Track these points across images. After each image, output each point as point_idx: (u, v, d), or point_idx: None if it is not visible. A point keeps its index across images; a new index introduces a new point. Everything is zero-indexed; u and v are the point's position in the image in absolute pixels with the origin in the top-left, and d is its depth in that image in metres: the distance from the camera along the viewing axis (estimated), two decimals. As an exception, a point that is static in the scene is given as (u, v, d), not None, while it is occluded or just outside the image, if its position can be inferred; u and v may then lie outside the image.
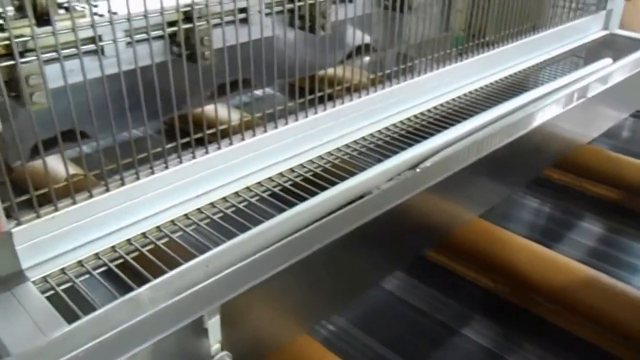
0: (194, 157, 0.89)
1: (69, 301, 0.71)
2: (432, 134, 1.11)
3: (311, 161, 1.04)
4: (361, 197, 0.89)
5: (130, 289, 0.72)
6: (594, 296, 0.93)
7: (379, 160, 1.02)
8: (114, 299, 0.71)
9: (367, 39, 1.13)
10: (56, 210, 0.76)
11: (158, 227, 0.85)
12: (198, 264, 0.72)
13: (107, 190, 0.81)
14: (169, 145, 0.87)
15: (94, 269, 0.77)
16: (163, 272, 0.73)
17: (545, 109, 1.16)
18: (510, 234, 1.03)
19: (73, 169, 0.87)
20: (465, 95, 1.33)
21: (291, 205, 0.88)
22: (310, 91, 1.02)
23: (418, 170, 0.95)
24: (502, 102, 1.25)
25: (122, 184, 0.82)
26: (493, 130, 1.07)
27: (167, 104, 0.83)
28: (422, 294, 0.98)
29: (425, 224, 0.96)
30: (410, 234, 0.94)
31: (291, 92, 1.03)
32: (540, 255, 0.99)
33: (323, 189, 0.92)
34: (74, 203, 0.78)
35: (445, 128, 1.13)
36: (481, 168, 0.98)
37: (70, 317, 0.67)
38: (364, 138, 1.12)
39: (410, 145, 1.07)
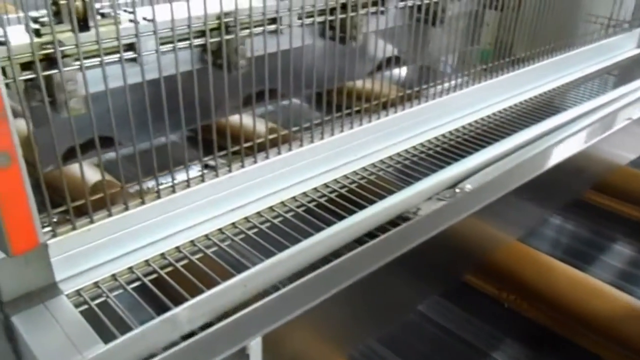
0: (230, 171, 0.87)
1: (103, 317, 0.69)
2: (468, 152, 1.08)
3: (345, 176, 1.01)
4: (400, 217, 0.87)
5: (165, 306, 0.71)
6: (635, 326, 0.90)
7: (415, 178, 1.00)
8: (148, 317, 0.69)
9: (396, 51, 1.11)
10: (92, 222, 0.75)
11: (192, 242, 0.83)
12: (236, 284, 0.70)
13: (143, 202, 0.79)
14: (207, 158, 0.85)
15: (128, 283, 0.76)
16: (198, 290, 0.72)
17: (588, 130, 1.14)
18: (548, 258, 1.01)
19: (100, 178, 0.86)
20: (499, 112, 1.30)
21: (327, 222, 0.86)
22: (345, 105, 1.00)
23: (458, 191, 0.92)
24: (538, 122, 1.22)
25: (158, 197, 0.80)
26: (534, 153, 1.04)
27: (201, 115, 0.81)
28: (453, 316, 0.96)
29: (463, 247, 0.93)
30: (449, 258, 0.92)
31: (325, 105, 1.01)
32: (579, 281, 0.97)
33: (358, 206, 0.90)
34: (110, 215, 0.76)
35: (481, 146, 1.11)
36: (522, 191, 0.95)
37: (105, 335, 0.65)
38: (398, 154, 1.10)
39: (447, 163, 1.04)
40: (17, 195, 0.59)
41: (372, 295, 0.78)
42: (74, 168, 0.74)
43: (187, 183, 0.83)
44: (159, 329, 0.64)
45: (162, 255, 0.80)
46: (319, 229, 0.84)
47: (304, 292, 0.70)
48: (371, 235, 0.84)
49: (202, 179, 0.85)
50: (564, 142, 1.09)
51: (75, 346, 0.64)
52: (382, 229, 0.85)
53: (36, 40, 0.68)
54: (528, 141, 1.11)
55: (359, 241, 0.83)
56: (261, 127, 0.93)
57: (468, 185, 0.93)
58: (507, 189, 0.92)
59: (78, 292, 0.73)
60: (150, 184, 0.83)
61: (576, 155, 1.06)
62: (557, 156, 1.05)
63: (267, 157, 0.92)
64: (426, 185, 0.94)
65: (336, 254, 0.80)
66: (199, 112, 0.81)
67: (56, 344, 0.65)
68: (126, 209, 0.78)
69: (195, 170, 0.86)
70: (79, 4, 0.98)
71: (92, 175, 0.85)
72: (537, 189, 0.99)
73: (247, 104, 0.87)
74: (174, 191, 0.82)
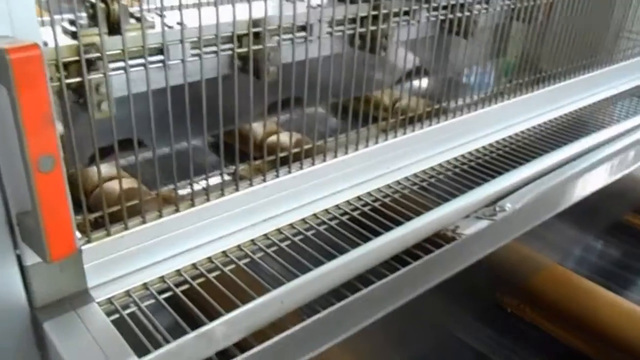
0: (264, 180, 0.85)
1: (136, 328, 0.68)
2: (504, 169, 1.06)
3: (379, 190, 0.99)
4: (437, 234, 0.85)
5: (197, 318, 0.69)
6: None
7: (450, 193, 0.98)
8: (179, 328, 0.67)
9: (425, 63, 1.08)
10: (126, 228, 0.73)
11: (224, 252, 0.81)
12: (273, 300, 0.68)
13: (177, 210, 0.77)
14: (241, 167, 0.84)
15: (159, 292, 0.74)
16: (230, 302, 0.70)
17: (634, 151, 1.10)
18: (586, 281, 0.98)
19: (131, 184, 0.85)
20: (533, 128, 1.28)
21: (361, 237, 0.84)
22: (379, 117, 0.99)
23: (498, 209, 0.90)
24: (574, 141, 1.19)
25: (192, 205, 0.79)
26: (577, 173, 1.01)
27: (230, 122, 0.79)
28: (488, 340, 0.93)
29: (502, 269, 0.91)
30: (486, 280, 0.89)
31: (356, 117, 0.99)
32: (618, 305, 0.94)
33: (393, 221, 0.88)
34: (144, 222, 0.75)
35: (517, 163, 1.08)
36: (563, 213, 0.93)
37: (137, 347, 0.64)
38: (432, 168, 1.08)
39: (481, 179, 1.02)
40: (59, 200, 0.58)
41: (408, 319, 0.76)
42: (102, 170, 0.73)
43: (222, 192, 0.82)
44: (194, 344, 0.62)
45: (194, 265, 0.78)
46: (352, 244, 0.82)
47: (343, 316, 0.67)
48: (408, 253, 0.82)
49: (236, 188, 0.83)
50: (608, 163, 1.06)
51: (107, 358, 0.62)
52: (419, 246, 0.83)
53: (73, 42, 0.67)
54: (565, 160, 1.09)
55: (397, 259, 0.81)
56: (294, 137, 0.91)
57: (508, 204, 0.91)
58: (551, 211, 0.90)
59: (109, 300, 0.72)
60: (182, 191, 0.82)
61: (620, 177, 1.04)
62: (602, 179, 1.02)
63: (301, 168, 0.90)
64: (464, 203, 0.91)
65: (374, 271, 0.78)
66: (234, 119, 0.79)
67: (88, 355, 0.63)
68: (160, 216, 0.76)
69: (226, 178, 0.84)
70: (115, 7, 0.97)
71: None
72: (576, 210, 0.96)
73: (274, 112, 0.85)
74: (208, 199, 0.80)
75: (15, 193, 0.61)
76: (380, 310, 0.68)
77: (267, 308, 0.68)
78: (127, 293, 0.73)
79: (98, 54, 0.67)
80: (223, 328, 0.64)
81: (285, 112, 0.86)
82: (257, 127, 0.95)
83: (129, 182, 0.85)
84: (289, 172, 0.88)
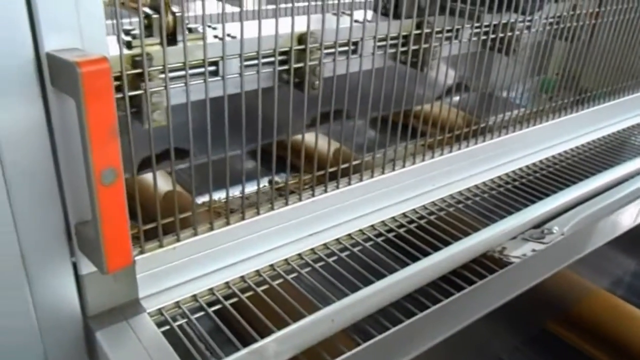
0: (312, 195, 0.85)
1: (187, 342, 0.68)
2: (549, 190, 1.05)
3: (424, 207, 0.99)
4: (484, 255, 0.84)
5: (244, 333, 0.69)
6: None
7: (495, 213, 0.97)
8: (227, 342, 0.68)
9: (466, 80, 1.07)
10: (178, 240, 0.73)
11: (271, 266, 0.81)
12: (324, 318, 0.68)
13: (228, 223, 0.78)
14: (292, 182, 0.84)
15: (209, 305, 0.74)
16: (278, 317, 0.70)
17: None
18: (633, 308, 0.96)
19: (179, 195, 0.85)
20: (577, 148, 1.26)
21: (408, 254, 0.84)
22: (427, 134, 0.98)
23: (546, 232, 0.88)
24: (622, 163, 1.17)
25: (243, 219, 0.79)
26: (628, 199, 0.99)
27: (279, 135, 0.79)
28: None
29: (550, 295, 0.89)
30: (535, 305, 0.88)
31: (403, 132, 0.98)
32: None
33: (439, 239, 0.87)
34: (195, 234, 0.75)
35: (563, 184, 1.07)
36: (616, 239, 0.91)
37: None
38: (476, 186, 1.07)
39: (525, 199, 1.01)
40: (118, 213, 0.58)
41: (455, 344, 0.75)
42: (147, 180, 0.73)
43: (271, 205, 0.82)
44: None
45: (242, 278, 0.78)
46: (397, 261, 0.82)
47: (398, 342, 0.66)
48: (455, 273, 0.81)
49: (285, 202, 0.83)
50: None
51: (161, 372, 0.62)
52: (466, 266, 0.82)
53: (127, 52, 0.68)
54: (612, 183, 1.07)
55: (444, 278, 0.80)
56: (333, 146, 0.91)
57: (555, 227, 0.90)
58: (604, 238, 0.88)
59: (160, 311, 0.72)
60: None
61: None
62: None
63: (349, 184, 0.89)
64: (511, 224, 0.90)
65: (422, 291, 0.77)
66: (281, 131, 0.79)
67: (141, 367, 0.63)
68: (211, 228, 0.76)
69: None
70: (169, 18, 0.98)
71: (164, 186, 0.84)
72: (624, 236, 0.94)
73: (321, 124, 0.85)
74: (258, 213, 0.80)
75: (75, 203, 0.62)
76: (430, 339, 0.67)
77: (318, 326, 0.67)
78: (177, 304, 0.73)
79: (158, 66, 0.67)
80: (274, 345, 0.64)
81: (334, 123, 0.85)
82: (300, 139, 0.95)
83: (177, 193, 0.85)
84: (337, 187, 0.88)
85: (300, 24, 0.76)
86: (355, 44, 0.85)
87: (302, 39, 0.78)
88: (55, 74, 0.55)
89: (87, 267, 0.66)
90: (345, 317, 0.69)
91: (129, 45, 0.70)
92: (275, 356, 0.63)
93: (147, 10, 0.72)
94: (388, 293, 0.73)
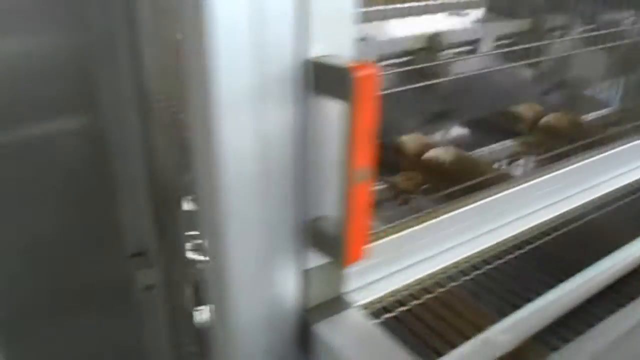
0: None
1: (399, 334, 0.70)
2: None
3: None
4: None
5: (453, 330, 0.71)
6: None
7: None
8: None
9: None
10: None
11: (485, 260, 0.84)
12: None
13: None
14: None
15: (416, 297, 0.76)
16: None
17: None
18: None
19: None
20: None
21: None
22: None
23: None
24: None
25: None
26: None
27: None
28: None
29: None
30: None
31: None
32: None
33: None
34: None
35: None
36: None
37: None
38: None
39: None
40: (364, 210, 0.61)
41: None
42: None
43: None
44: (478, 350, 0.65)
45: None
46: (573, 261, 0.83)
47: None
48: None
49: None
50: None
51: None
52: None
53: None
54: None
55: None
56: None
57: None
58: None
59: (367, 305, 0.75)
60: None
61: None
62: None
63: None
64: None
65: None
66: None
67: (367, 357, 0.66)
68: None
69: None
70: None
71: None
72: None
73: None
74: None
75: (313, 199, 0.65)
76: None
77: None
78: (381, 299, 0.76)
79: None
80: (503, 336, 0.66)
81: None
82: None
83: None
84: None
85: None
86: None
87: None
88: (320, 79, 0.58)
89: (313, 262, 0.69)
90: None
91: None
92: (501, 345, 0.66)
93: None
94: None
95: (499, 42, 0.89)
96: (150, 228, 0.87)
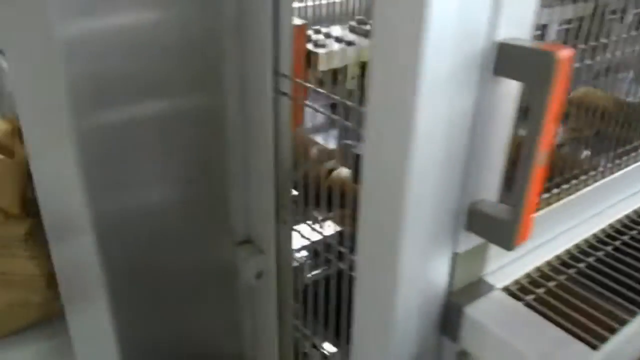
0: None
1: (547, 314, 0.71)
2: None
3: None
4: None
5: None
6: None
7: None
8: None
9: None
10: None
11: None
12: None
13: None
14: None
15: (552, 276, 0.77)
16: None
17: None
18: None
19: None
20: None
21: None
22: None
23: None
24: None
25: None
26: None
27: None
28: None
29: None
30: None
31: None
32: None
33: None
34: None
35: None
36: None
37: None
38: None
39: None
40: (537, 191, 0.62)
41: None
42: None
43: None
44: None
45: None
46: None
47: None
48: None
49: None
50: None
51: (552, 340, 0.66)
52: None
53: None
54: None
55: None
56: None
57: None
58: None
59: (511, 285, 0.75)
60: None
61: None
62: None
63: None
64: None
65: None
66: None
67: (524, 336, 0.67)
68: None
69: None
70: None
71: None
72: None
73: None
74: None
75: (473, 182, 0.65)
76: None
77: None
78: (524, 277, 0.76)
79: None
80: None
81: None
82: None
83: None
84: None
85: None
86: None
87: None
88: (505, 62, 0.58)
89: (464, 245, 0.69)
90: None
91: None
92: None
93: None
94: None
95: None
96: (264, 215, 0.86)
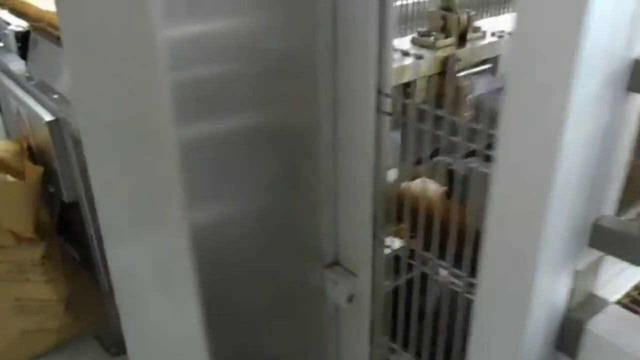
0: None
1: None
2: None
3: None
4: None
5: None
6: None
7: None
8: None
9: None
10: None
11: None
12: None
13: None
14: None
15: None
16: None
17: None
18: None
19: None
20: None
21: None
22: None
23: None
24: None
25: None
26: None
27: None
28: None
29: None
30: None
31: None
32: None
33: None
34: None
35: None
36: None
37: None
38: None
39: None
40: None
41: None
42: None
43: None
44: None
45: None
46: None
47: None
48: None
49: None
50: None
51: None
52: None
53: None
54: None
55: None
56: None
57: None
58: None
59: (628, 295, 0.75)
60: None
61: None
62: None
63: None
64: None
65: None
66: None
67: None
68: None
69: None
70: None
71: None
72: None
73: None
74: None
75: (597, 199, 0.65)
76: None
77: None
78: (633, 290, 0.76)
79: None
80: None
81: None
82: None
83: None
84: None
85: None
86: None
87: None
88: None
89: (584, 261, 0.69)
90: None
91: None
92: None
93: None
94: None
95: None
96: (358, 236, 0.85)
